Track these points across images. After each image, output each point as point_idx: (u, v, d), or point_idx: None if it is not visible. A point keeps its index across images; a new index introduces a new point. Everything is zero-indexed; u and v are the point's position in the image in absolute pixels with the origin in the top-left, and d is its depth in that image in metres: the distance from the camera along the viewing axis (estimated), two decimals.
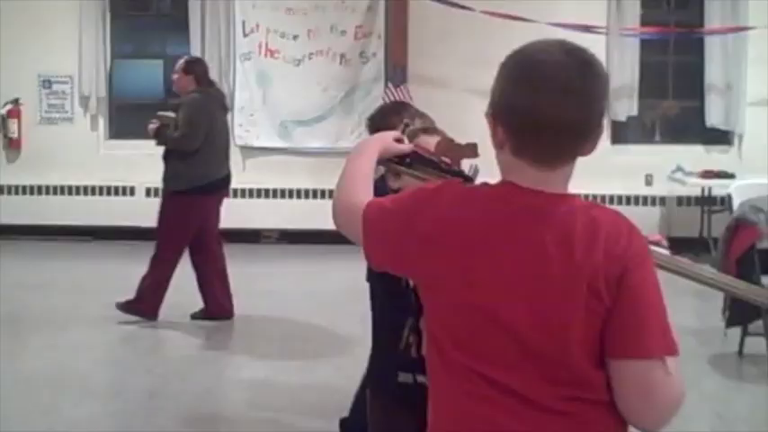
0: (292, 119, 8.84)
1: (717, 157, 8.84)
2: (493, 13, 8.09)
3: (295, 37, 8.79)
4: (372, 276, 2.75)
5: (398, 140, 2.02)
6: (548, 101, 1.44)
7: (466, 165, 2.06)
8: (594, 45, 8.32)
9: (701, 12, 8.81)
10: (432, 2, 8.17)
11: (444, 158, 2.04)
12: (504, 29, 8.20)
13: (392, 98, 8.06)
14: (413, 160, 2.03)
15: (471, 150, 2.05)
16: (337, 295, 6.65)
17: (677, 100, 9.12)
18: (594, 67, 1.47)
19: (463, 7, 8.12)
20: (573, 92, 1.43)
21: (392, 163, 2.03)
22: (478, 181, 1.93)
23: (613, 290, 1.42)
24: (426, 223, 1.51)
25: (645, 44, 8.84)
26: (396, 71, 8.45)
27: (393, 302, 2.44)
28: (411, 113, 3.45)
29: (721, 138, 8.89)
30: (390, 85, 8.37)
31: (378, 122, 3.42)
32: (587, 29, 8.31)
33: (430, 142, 2.15)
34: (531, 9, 8.12)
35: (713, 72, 8.77)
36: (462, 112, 8.78)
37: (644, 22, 8.78)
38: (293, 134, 8.86)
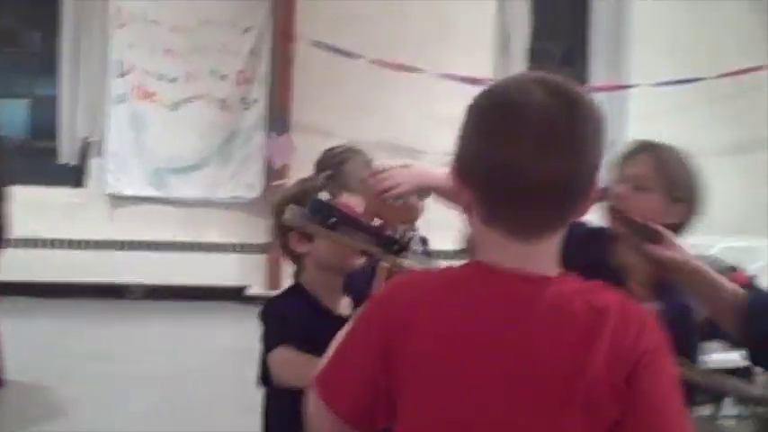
0: (167, 166, 8.33)
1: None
2: (382, 63, 7.88)
3: (173, 80, 8.33)
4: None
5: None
6: (528, 155, 1.13)
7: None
8: None
9: (586, 69, 8.85)
10: (318, 48, 7.88)
11: (375, 220, 1.74)
12: (392, 77, 8.04)
13: (274, 147, 7.75)
14: (338, 221, 1.71)
15: (408, 212, 1.76)
16: (207, 356, 6.15)
17: None
18: (585, 109, 1.18)
19: (351, 54, 7.87)
20: (560, 142, 1.15)
21: (311, 223, 1.72)
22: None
23: (621, 398, 1.12)
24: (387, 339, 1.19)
25: None
26: (278, 119, 8.10)
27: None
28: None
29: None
30: (272, 133, 8.04)
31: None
32: (475, 81, 8.20)
33: (353, 200, 1.89)
34: (420, 58, 7.98)
35: None
36: None
37: None
38: (167, 182, 8.34)
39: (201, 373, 5.84)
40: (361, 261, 2.02)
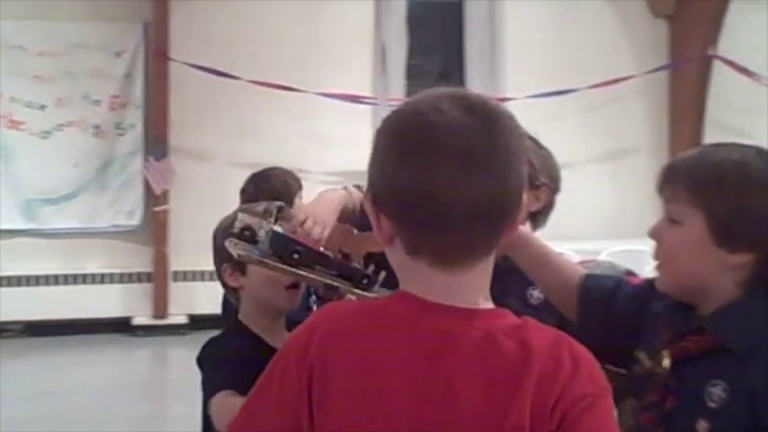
0: (39, 197, 7.96)
1: None
2: (259, 83, 7.80)
3: (42, 107, 7.99)
4: None
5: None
6: (448, 178, 1.05)
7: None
8: (361, 116, 8.40)
9: (463, 84, 8.98)
10: (194, 69, 7.73)
11: (341, 252, 1.64)
12: (271, 98, 7.96)
13: (153, 172, 7.56)
14: (302, 256, 1.57)
15: (375, 241, 1.67)
16: (95, 395, 5.89)
17: None
18: (506, 125, 1.11)
19: (228, 76, 7.76)
20: (481, 162, 1.06)
21: (270, 260, 1.55)
22: None
23: None
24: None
25: None
26: (156, 144, 7.89)
27: None
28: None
29: None
30: (151, 159, 7.83)
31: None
32: (356, 99, 8.23)
33: (315, 232, 1.74)
34: (298, 79, 7.93)
35: None
36: (225, 187, 8.34)
37: (408, 95, 8.82)
38: (40, 214, 7.98)
39: (90, 413, 5.55)
40: (298, 300, 1.89)
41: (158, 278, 7.90)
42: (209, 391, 1.78)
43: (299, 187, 3.18)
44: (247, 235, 1.60)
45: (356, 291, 1.56)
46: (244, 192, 3.12)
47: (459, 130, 1.06)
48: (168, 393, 6.41)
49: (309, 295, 2.68)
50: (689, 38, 8.91)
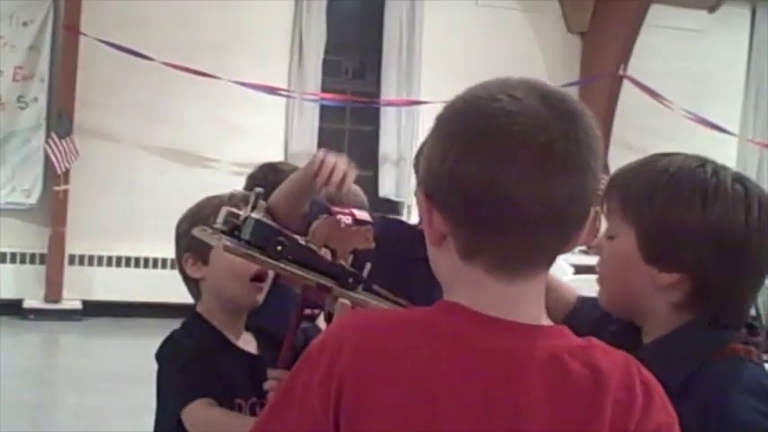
0: None
1: None
2: (174, 66, 7.58)
3: None
4: None
5: None
6: (519, 172, 0.93)
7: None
8: (275, 108, 8.28)
9: (378, 83, 8.98)
10: (106, 46, 7.46)
11: (326, 248, 1.47)
12: (184, 83, 7.77)
13: (55, 150, 7.28)
14: (285, 249, 1.41)
15: (364, 237, 1.51)
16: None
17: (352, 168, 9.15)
18: (587, 120, 0.98)
19: (142, 56, 7.51)
20: (558, 159, 0.94)
21: (250, 251, 1.39)
22: None
23: None
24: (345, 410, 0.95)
25: (323, 111, 8.80)
26: (60, 120, 7.58)
27: None
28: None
29: (393, 208, 9.05)
30: (54, 135, 7.52)
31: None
32: (272, 90, 8.11)
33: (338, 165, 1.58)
34: (214, 65, 7.75)
35: (387, 143, 8.94)
36: (132, 170, 8.16)
37: (323, 89, 8.75)
38: None
39: None
40: (262, 296, 1.78)
41: (53, 260, 7.60)
42: (179, 396, 1.65)
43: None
44: (231, 223, 1.46)
45: (351, 294, 1.43)
46: (252, 178, 2.96)
47: (538, 122, 0.95)
48: (59, 381, 6.18)
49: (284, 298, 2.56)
50: (601, 56, 9.14)
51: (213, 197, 1.84)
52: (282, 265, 1.42)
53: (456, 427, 0.93)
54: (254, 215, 1.45)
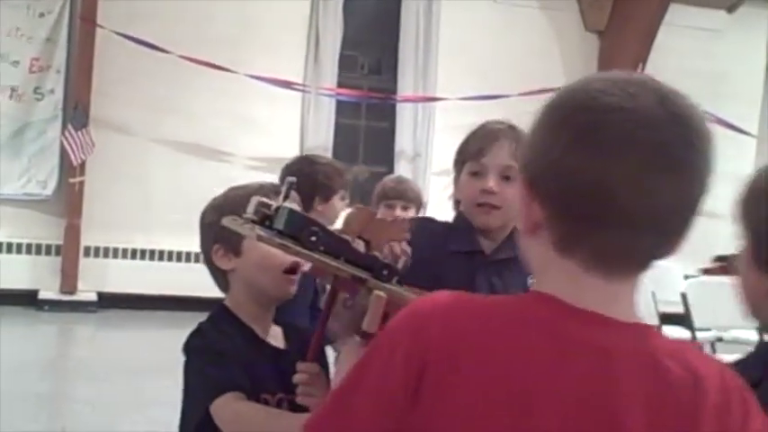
0: None
1: None
2: (190, 59, 7.57)
3: None
4: None
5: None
6: (628, 170, 0.90)
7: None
8: (290, 102, 8.26)
9: (395, 79, 8.94)
10: (123, 38, 7.45)
11: (360, 239, 1.43)
12: (200, 77, 7.76)
13: (71, 142, 7.27)
14: (319, 240, 1.37)
15: (400, 229, 1.47)
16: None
17: (368, 165, 9.14)
18: (701, 127, 0.95)
19: (158, 49, 7.50)
20: (671, 161, 0.92)
21: (283, 241, 1.36)
22: None
23: None
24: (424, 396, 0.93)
25: (339, 107, 8.78)
26: (77, 111, 7.57)
27: None
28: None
29: None
30: (70, 126, 7.51)
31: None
32: (288, 85, 8.09)
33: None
34: (230, 59, 7.74)
35: (403, 139, 8.90)
36: (147, 163, 8.16)
37: (339, 85, 8.73)
38: None
39: None
40: (294, 288, 1.74)
41: (68, 252, 7.60)
42: (208, 389, 1.62)
43: (343, 186, 3.01)
44: (261, 213, 1.41)
45: (387, 286, 1.39)
46: (288, 168, 2.94)
47: (651, 122, 0.93)
48: (74, 372, 6.16)
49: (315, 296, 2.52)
50: (618, 54, 9.08)
51: (239, 187, 1.80)
52: (317, 256, 1.39)
53: (548, 415, 0.91)
54: (287, 205, 1.42)
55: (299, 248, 1.38)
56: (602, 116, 0.93)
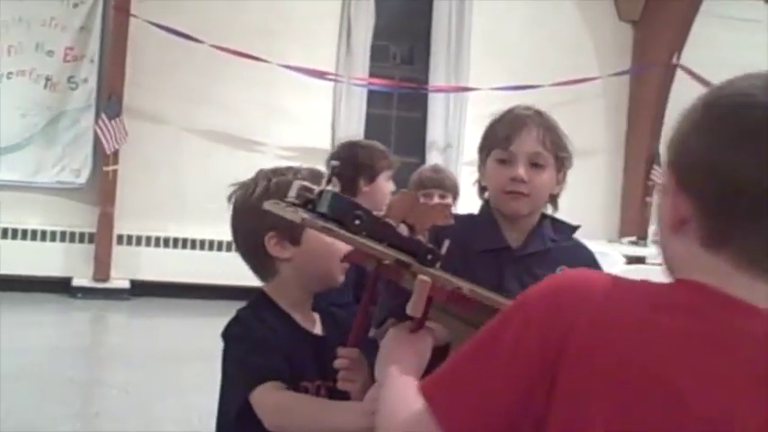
0: None
1: None
2: (223, 48, 7.59)
3: None
4: None
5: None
6: None
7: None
8: (323, 92, 8.25)
9: (427, 69, 8.91)
10: (156, 28, 7.49)
11: (404, 223, 1.40)
12: (231, 66, 7.78)
13: (105, 131, 7.32)
14: (363, 223, 1.36)
15: (442, 213, 1.44)
16: (31, 356, 5.66)
17: (399, 155, 9.07)
18: None
19: (191, 38, 7.53)
20: None
21: (328, 224, 1.35)
22: None
23: None
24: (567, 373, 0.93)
25: (370, 97, 8.76)
26: (110, 101, 7.62)
27: None
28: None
29: None
30: (103, 115, 7.56)
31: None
32: (320, 75, 8.09)
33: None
34: (263, 49, 7.75)
35: (435, 130, 8.87)
36: (179, 152, 8.19)
37: (371, 75, 8.70)
38: None
39: (28, 373, 5.28)
40: (343, 276, 1.73)
41: (102, 240, 7.65)
42: (248, 378, 1.61)
43: (388, 167, 2.99)
44: (304, 197, 1.40)
45: (431, 270, 1.37)
46: (331, 155, 2.98)
47: None
48: (107, 358, 6.21)
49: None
50: (653, 44, 8.98)
51: (282, 173, 1.77)
52: (361, 240, 1.37)
53: (706, 406, 0.91)
54: (331, 188, 1.41)
55: (342, 232, 1.36)
56: (761, 115, 0.95)
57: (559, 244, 1.95)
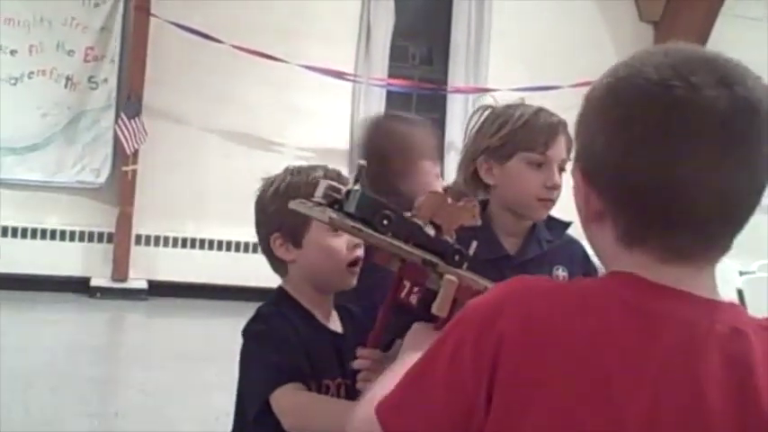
0: (2, 145, 7.62)
1: None
2: (242, 49, 7.60)
3: (13, 52, 7.69)
4: None
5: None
6: (695, 171, 0.87)
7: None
8: (342, 92, 8.24)
9: (446, 70, 8.88)
10: (176, 28, 7.50)
11: (431, 223, 1.38)
12: (252, 67, 7.78)
13: (125, 130, 7.33)
14: (391, 223, 1.35)
15: (470, 214, 1.41)
16: (49, 354, 5.68)
17: None
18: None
19: (211, 38, 7.54)
20: (736, 155, 0.89)
21: (355, 224, 1.34)
22: None
23: None
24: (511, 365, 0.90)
25: (389, 97, 8.74)
26: (129, 101, 7.64)
27: None
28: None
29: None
30: (123, 115, 7.59)
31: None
32: (339, 75, 8.08)
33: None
34: (282, 49, 7.75)
35: (454, 131, 8.84)
36: (199, 152, 8.20)
37: (390, 75, 8.69)
38: (2, 163, 7.64)
39: (44, 373, 5.28)
40: (355, 279, 1.72)
41: (120, 240, 7.67)
42: (269, 379, 1.59)
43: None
44: (330, 197, 1.39)
45: (458, 271, 1.37)
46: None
47: (717, 116, 0.88)
48: (125, 358, 6.23)
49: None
50: None
51: (298, 173, 1.76)
52: (388, 240, 1.36)
53: (636, 401, 0.88)
54: (358, 188, 1.40)
55: (370, 232, 1.36)
56: (665, 113, 0.89)
57: (554, 243, 1.95)
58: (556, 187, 1.87)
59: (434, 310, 1.33)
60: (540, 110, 1.94)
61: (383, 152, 2.38)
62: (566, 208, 2.00)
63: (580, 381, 0.88)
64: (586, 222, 0.98)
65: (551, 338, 0.90)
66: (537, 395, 0.89)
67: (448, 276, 1.35)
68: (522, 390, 0.89)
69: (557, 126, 1.90)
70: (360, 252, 1.67)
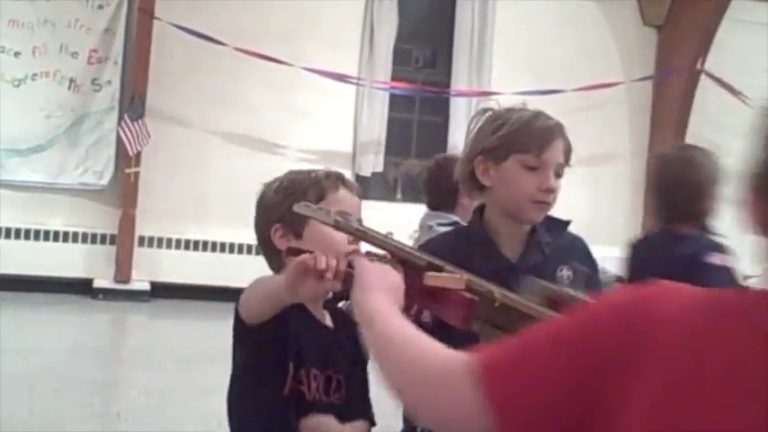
0: (6, 147, 7.66)
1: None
2: (245, 51, 7.60)
3: (17, 54, 7.71)
4: None
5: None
6: None
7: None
8: (344, 95, 8.25)
9: (449, 73, 8.89)
10: (180, 30, 7.51)
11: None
12: (255, 69, 7.79)
13: (128, 133, 7.35)
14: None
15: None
16: (53, 356, 5.68)
17: (420, 159, 9.08)
18: None
19: (215, 41, 7.55)
20: None
21: (366, 231, 1.37)
22: None
23: None
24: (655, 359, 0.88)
25: (392, 100, 8.75)
26: (133, 103, 7.65)
27: None
28: None
29: None
30: (126, 117, 7.60)
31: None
32: (342, 78, 8.09)
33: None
34: (285, 52, 7.76)
35: (457, 134, 8.84)
36: (202, 154, 8.21)
37: (393, 78, 8.69)
38: (5, 165, 7.68)
39: (47, 374, 5.28)
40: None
41: (123, 241, 7.69)
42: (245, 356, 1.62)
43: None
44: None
45: (466, 275, 1.37)
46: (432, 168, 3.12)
47: None
48: (128, 360, 6.23)
49: None
50: (677, 49, 8.91)
51: (300, 172, 1.79)
52: (393, 243, 1.37)
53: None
54: None
55: (374, 234, 1.37)
56: None
57: (555, 243, 1.93)
58: (551, 190, 1.86)
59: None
60: (538, 113, 1.92)
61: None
62: (566, 209, 2.02)
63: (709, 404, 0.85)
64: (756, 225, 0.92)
65: (693, 344, 0.88)
66: (656, 397, 0.87)
67: (455, 276, 1.36)
68: (668, 390, 0.87)
69: (553, 130, 1.89)
70: (359, 246, 1.67)
